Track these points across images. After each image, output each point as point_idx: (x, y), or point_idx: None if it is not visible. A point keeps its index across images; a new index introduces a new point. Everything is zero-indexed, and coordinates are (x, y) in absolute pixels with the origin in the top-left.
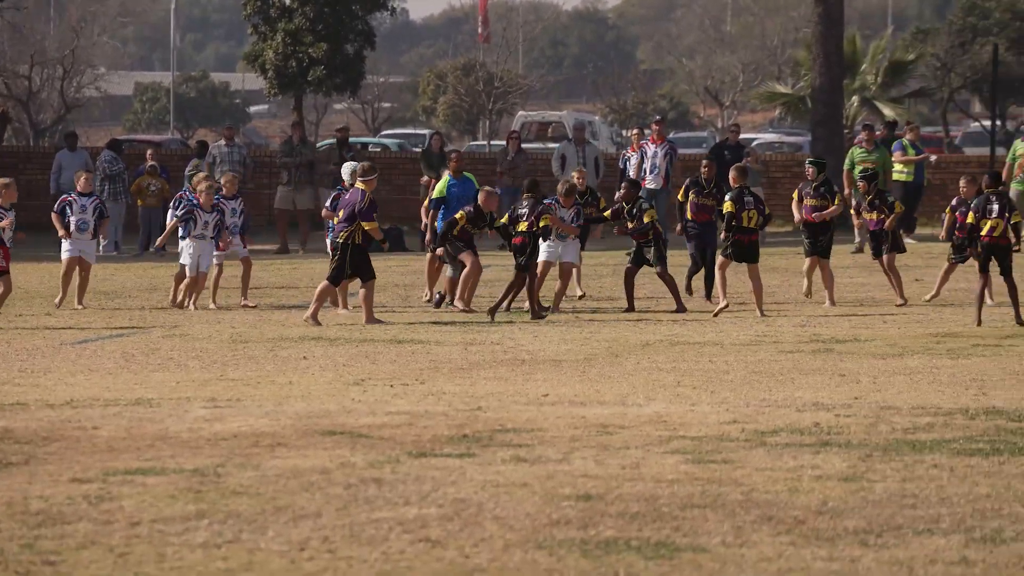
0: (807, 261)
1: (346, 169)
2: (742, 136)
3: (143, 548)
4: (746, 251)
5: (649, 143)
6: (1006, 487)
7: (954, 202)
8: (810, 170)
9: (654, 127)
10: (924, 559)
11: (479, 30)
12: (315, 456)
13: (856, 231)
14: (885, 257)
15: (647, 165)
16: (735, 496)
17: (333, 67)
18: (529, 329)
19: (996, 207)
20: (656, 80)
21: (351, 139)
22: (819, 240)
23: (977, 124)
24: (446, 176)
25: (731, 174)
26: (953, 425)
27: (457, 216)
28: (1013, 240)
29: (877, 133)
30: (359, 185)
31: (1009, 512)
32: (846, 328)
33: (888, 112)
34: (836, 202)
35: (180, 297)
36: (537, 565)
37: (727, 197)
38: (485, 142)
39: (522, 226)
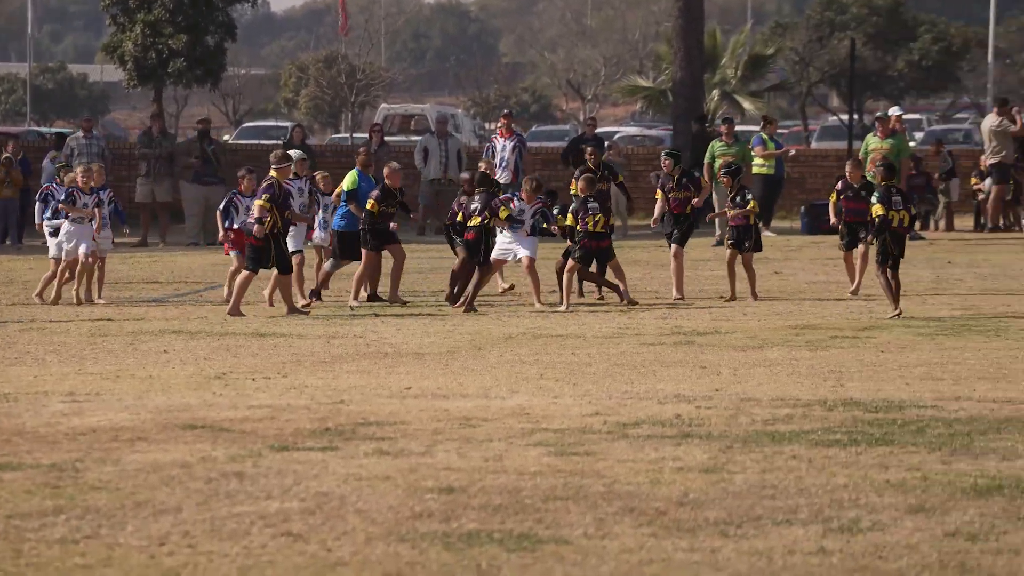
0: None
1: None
2: (604, 129)
3: None
4: (598, 255)
5: (498, 137)
6: (863, 477)
7: (839, 186)
8: (666, 162)
9: (502, 121)
10: (783, 549)
11: (340, 23)
12: (175, 450)
13: (716, 224)
14: (743, 255)
15: (496, 160)
16: (597, 488)
17: (193, 59)
18: (392, 322)
19: (900, 199)
20: (518, 73)
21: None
22: (677, 230)
23: (835, 118)
24: (354, 171)
25: (579, 184)
26: (811, 416)
27: (368, 206)
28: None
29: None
30: (272, 173)
31: (866, 502)
32: (707, 320)
33: (748, 106)
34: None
35: (51, 291)
36: (399, 558)
37: (569, 210)
38: (347, 135)
39: (475, 220)
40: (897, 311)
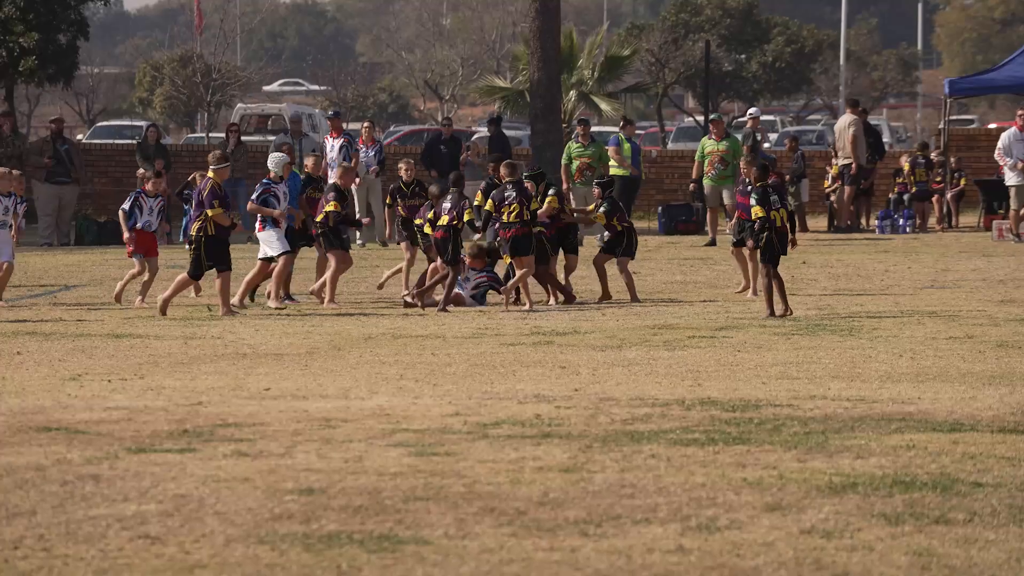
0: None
1: (272, 160)
2: (462, 129)
3: None
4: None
5: (330, 137)
6: (721, 476)
7: (739, 187)
8: (529, 185)
9: (330, 122)
10: (642, 548)
11: (195, 21)
12: (30, 453)
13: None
14: (618, 260)
15: (332, 158)
16: (457, 488)
17: (45, 57)
18: (250, 323)
19: (776, 197)
20: (376, 73)
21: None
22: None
23: (691, 119)
24: None
25: (502, 170)
26: (670, 416)
27: (328, 208)
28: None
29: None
30: (208, 174)
31: (723, 500)
32: (566, 321)
33: (605, 107)
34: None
35: None
36: (259, 560)
37: (491, 196)
38: (204, 134)
39: (443, 220)
40: (787, 310)
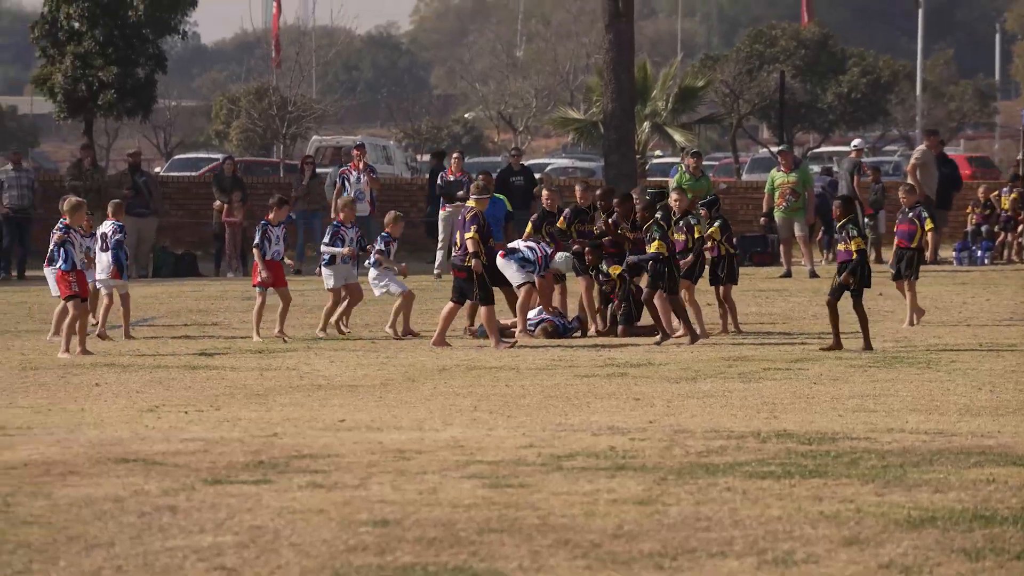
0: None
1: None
2: (535, 161)
3: None
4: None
5: (351, 170)
6: (797, 509)
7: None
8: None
9: (355, 153)
10: None
11: (272, 54)
12: (108, 484)
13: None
14: (723, 287)
15: (350, 191)
16: (532, 520)
17: (124, 91)
18: (325, 354)
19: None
20: (450, 105)
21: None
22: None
23: (765, 150)
24: None
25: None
26: (745, 448)
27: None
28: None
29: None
30: (470, 203)
31: (800, 534)
32: (640, 353)
33: (679, 138)
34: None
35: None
36: None
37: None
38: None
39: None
40: (867, 345)
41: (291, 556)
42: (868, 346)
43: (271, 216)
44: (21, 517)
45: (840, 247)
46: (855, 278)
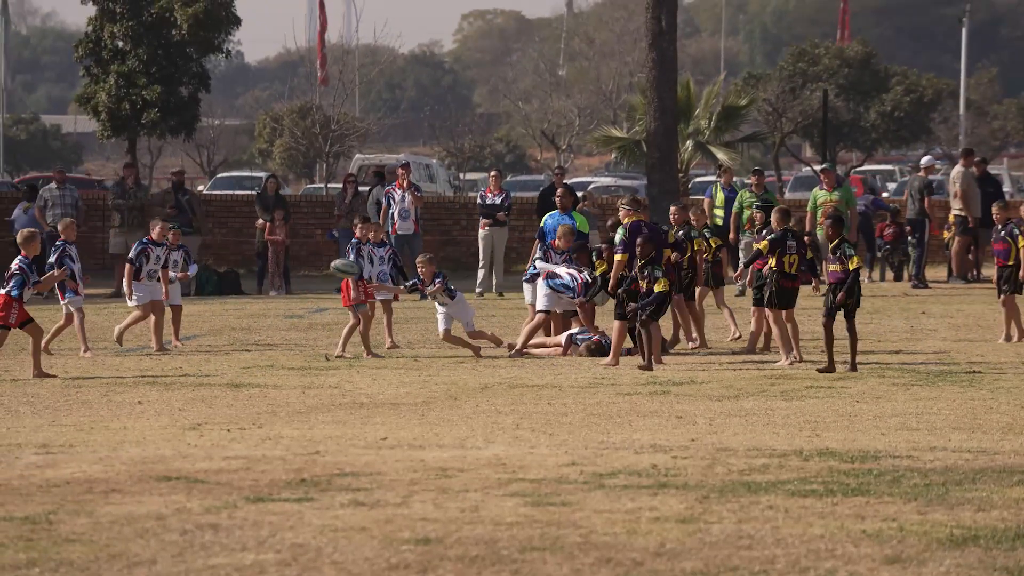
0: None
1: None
2: (579, 179)
3: None
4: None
5: (395, 188)
6: (839, 527)
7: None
8: (759, 216)
9: (400, 172)
10: None
11: (319, 72)
12: (150, 502)
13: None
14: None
15: (395, 210)
16: (574, 538)
17: (168, 110)
18: (367, 372)
19: (794, 243)
20: (493, 123)
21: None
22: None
23: (808, 168)
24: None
25: (774, 216)
26: (788, 466)
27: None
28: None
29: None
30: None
31: (842, 552)
32: (682, 371)
33: (722, 157)
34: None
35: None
36: None
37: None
38: (322, 185)
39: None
40: (800, 358)
41: (333, 574)
42: (854, 367)
43: (371, 235)
44: (64, 535)
45: (830, 267)
46: (851, 298)
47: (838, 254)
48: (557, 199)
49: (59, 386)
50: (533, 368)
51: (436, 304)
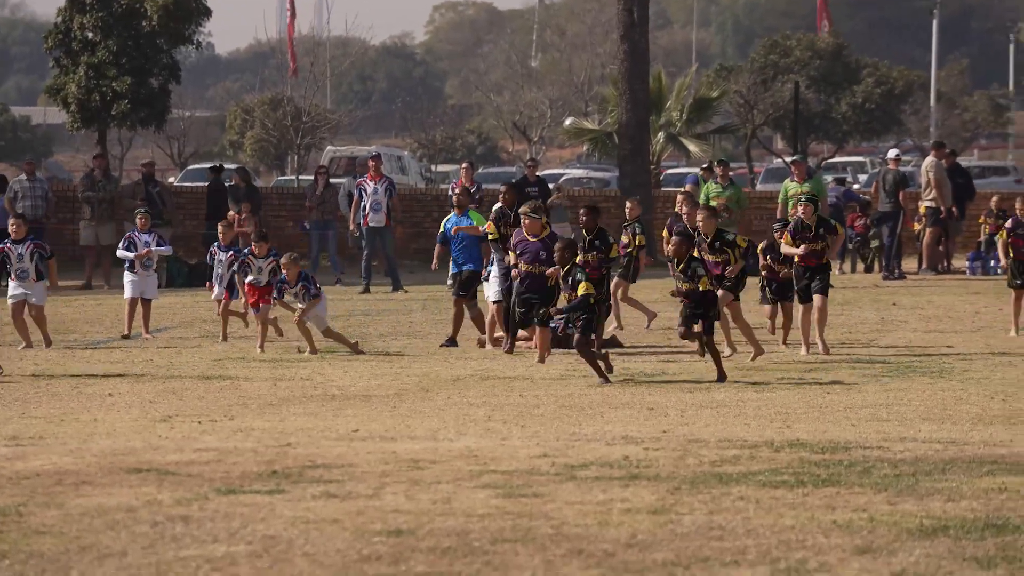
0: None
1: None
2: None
3: None
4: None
5: (367, 180)
6: (810, 518)
7: (1009, 224)
8: (807, 208)
9: (370, 163)
10: None
11: (289, 64)
12: (121, 494)
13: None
14: (816, 298)
15: (367, 202)
16: (546, 530)
17: (138, 101)
18: (339, 364)
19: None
20: (464, 115)
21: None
22: (814, 281)
23: (779, 160)
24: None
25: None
26: (759, 457)
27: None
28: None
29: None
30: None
31: (813, 543)
32: (654, 363)
33: (693, 148)
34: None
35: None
36: None
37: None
38: (294, 177)
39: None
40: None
41: (305, 566)
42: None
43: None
44: (34, 527)
45: (684, 286)
46: (709, 316)
47: (689, 273)
48: (454, 197)
49: (29, 378)
50: (505, 360)
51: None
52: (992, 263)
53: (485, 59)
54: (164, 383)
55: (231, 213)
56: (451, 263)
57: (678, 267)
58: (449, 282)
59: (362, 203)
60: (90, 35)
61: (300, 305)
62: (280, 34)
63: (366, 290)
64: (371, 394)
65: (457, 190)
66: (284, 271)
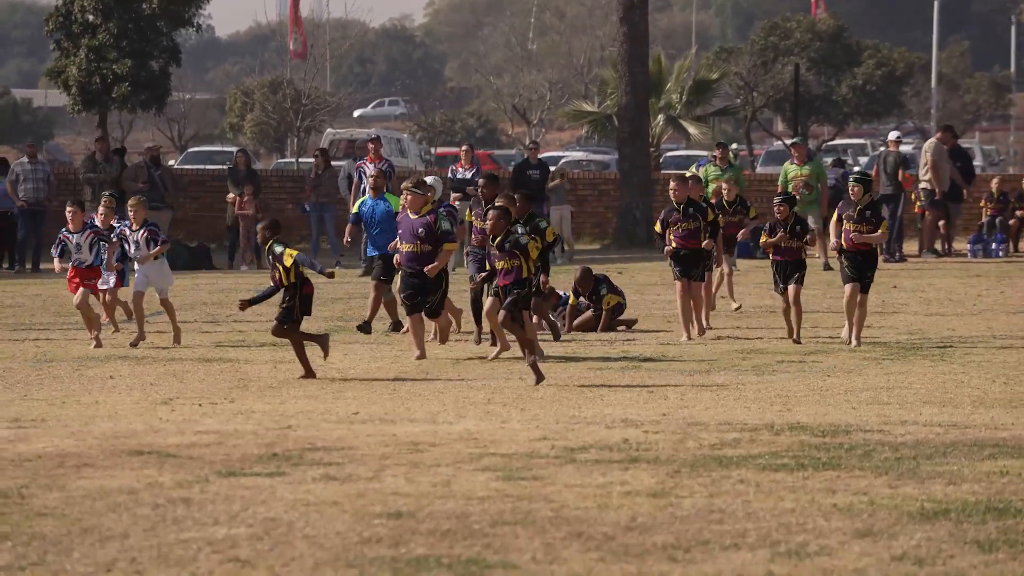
0: (848, 289)
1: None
2: (550, 154)
3: None
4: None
5: (367, 163)
6: (810, 501)
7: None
8: (856, 188)
9: (370, 146)
10: (731, 573)
11: (291, 46)
12: (122, 476)
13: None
14: (791, 288)
15: (367, 184)
16: (545, 513)
17: (138, 84)
18: (339, 348)
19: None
20: (464, 98)
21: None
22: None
23: (780, 142)
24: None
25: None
26: (759, 441)
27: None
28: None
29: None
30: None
31: (813, 526)
32: (654, 346)
33: (693, 131)
34: (882, 229)
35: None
36: None
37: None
38: (293, 159)
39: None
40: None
41: (305, 548)
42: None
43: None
44: (36, 509)
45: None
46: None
47: (507, 248)
48: (370, 179)
49: (30, 360)
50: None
51: (136, 264)
52: (993, 246)
53: (484, 41)
54: (165, 366)
55: (231, 195)
56: (367, 246)
57: (494, 243)
58: (363, 265)
59: (362, 185)
60: (91, 18)
61: (140, 254)
62: (280, 16)
63: (366, 272)
64: (371, 377)
65: (371, 172)
66: (131, 211)
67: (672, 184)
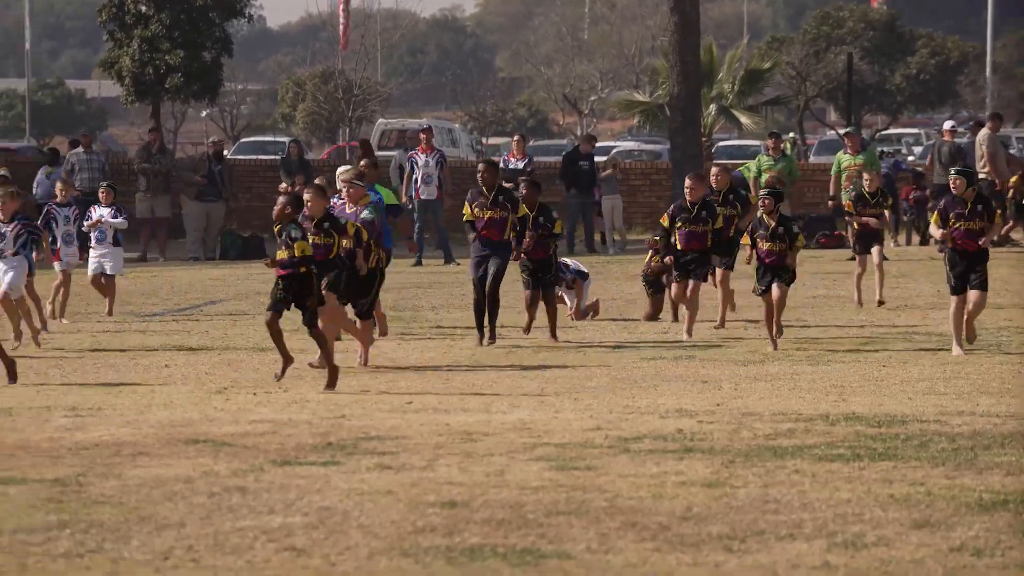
0: (954, 302)
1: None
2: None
3: (3, 558)
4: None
5: (419, 153)
6: (866, 492)
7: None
8: (958, 182)
9: (422, 136)
10: (787, 564)
11: (340, 36)
12: (178, 465)
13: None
14: (775, 288)
15: (418, 175)
16: (599, 503)
17: (191, 74)
18: (392, 337)
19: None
20: (515, 88)
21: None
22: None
23: (832, 132)
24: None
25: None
26: (814, 431)
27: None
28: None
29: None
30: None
31: (870, 517)
32: (707, 335)
33: (745, 121)
34: (997, 219)
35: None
36: (403, 572)
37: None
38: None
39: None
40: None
41: (359, 537)
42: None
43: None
44: (93, 497)
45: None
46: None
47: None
48: (363, 169)
49: (87, 349)
50: (557, 332)
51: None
52: None
53: (535, 32)
54: (219, 355)
55: (283, 185)
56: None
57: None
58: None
59: (414, 176)
60: (143, 9)
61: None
62: (331, 7)
63: (418, 262)
64: (424, 366)
65: (361, 162)
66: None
67: (688, 183)
